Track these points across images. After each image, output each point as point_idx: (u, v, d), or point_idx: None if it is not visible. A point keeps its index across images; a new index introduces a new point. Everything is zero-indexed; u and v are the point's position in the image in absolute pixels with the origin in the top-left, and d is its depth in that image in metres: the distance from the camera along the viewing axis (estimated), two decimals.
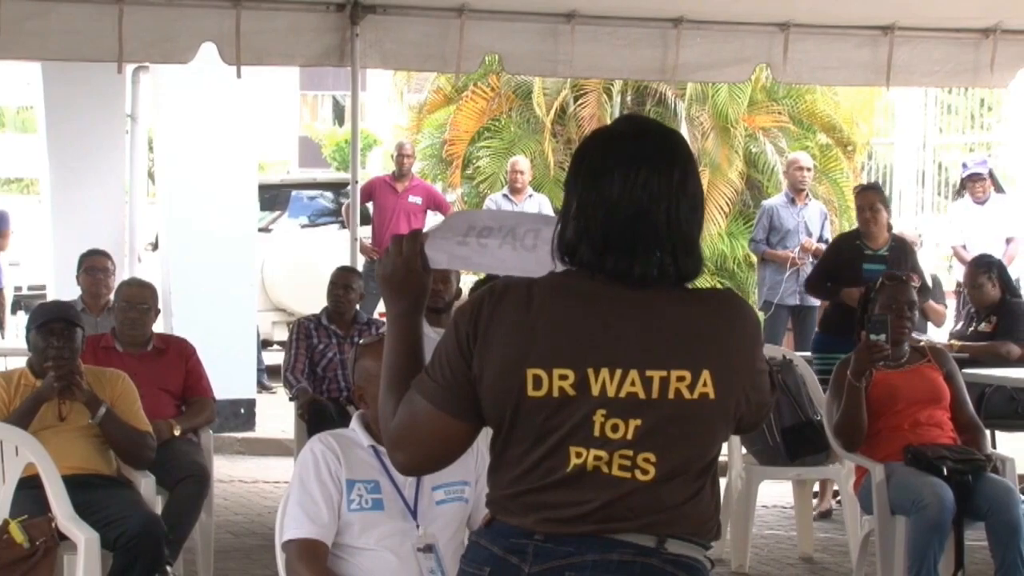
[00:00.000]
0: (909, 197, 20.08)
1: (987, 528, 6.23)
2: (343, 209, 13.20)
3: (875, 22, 9.83)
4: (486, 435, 2.89)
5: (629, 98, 16.67)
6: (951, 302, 11.48)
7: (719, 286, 15.30)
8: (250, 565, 7.61)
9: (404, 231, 11.68)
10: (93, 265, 8.58)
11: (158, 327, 7.56)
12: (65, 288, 10.00)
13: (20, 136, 28.23)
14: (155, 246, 13.74)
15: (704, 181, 16.34)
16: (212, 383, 7.26)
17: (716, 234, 15.97)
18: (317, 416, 7.72)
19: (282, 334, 13.43)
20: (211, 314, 10.87)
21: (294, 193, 16.99)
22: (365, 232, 12.40)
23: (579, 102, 16.59)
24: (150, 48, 9.05)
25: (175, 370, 7.11)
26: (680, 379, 2.74)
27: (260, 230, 13.69)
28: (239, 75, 9.04)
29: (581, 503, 2.74)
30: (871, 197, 9.09)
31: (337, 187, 16.59)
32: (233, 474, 10.22)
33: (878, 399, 6.50)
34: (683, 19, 9.57)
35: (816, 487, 8.79)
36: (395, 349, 2.95)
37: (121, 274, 10.27)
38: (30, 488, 5.56)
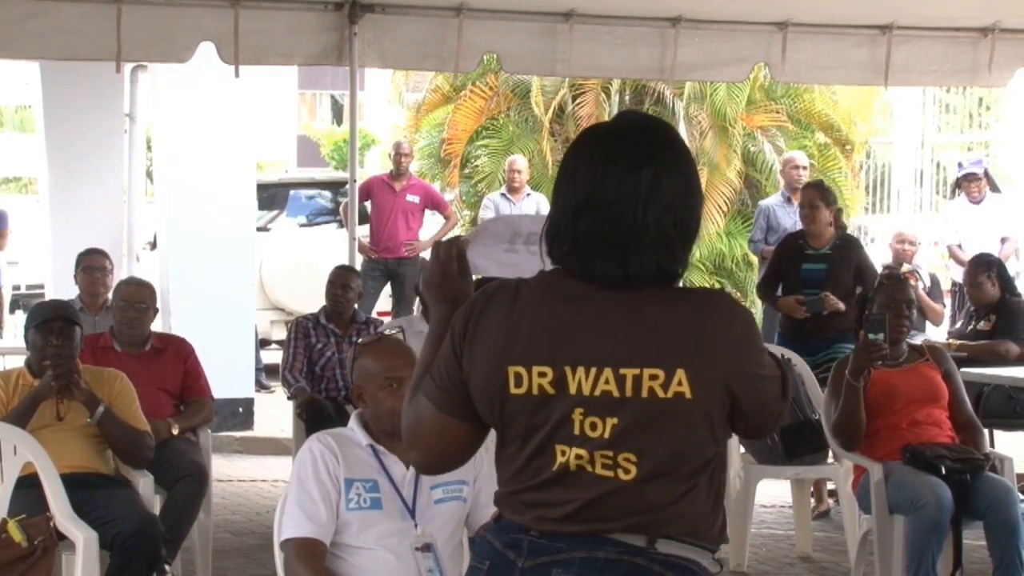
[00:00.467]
0: (907, 196, 20.09)
1: (985, 527, 6.23)
2: (341, 208, 13.21)
3: (873, 21, 9.82)
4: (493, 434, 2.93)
5: (627, 97, 16.66)
6: (947, 301, 11.49)
7: (717, 285, 15.34)
8: (248, 564, 7.60)
9: (402, 230, 11.67)
10: (91, 264, 8.59)
11: (156, 326, 7.56)
12: (63, 287, 10.00)
13: (19, 135, 28.23)
14: (153, 245, 13.74)
15: (702, 180, 16.37)
16: (210, 382, 7.26)
17: (715, 233, 15.97)
18: (315, 415, 7.72)
19: (280, 333, 13.42)
20: (209, 313, 10.87)
21: (292, 192, 16.98)
22: (363, 231, 12.39)
23: (577, 101, 16.58)
24: (148, 47, 9.04)
25: (173, 369, 7.11)
26: (653, 377, 2.73)
27: (258, 229, 13.68)
28: (237, 74, 9.03)
29: (568, 502, 2.77)
30: (810, 194, 8.87)
31: (335, 186, 16.58)
32: (231, 473, 10.22)
33: (876, 398, 6.50)
34: (681, 18, 9.57)
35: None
36: (434, 353, 2.97)
37: (119, 273, 10.28)
38: (28, 487, 5.56)
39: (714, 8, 9.60)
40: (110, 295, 8.09)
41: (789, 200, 11.36)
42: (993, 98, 20.72)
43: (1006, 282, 9.04)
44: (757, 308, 11.95)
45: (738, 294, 15.19)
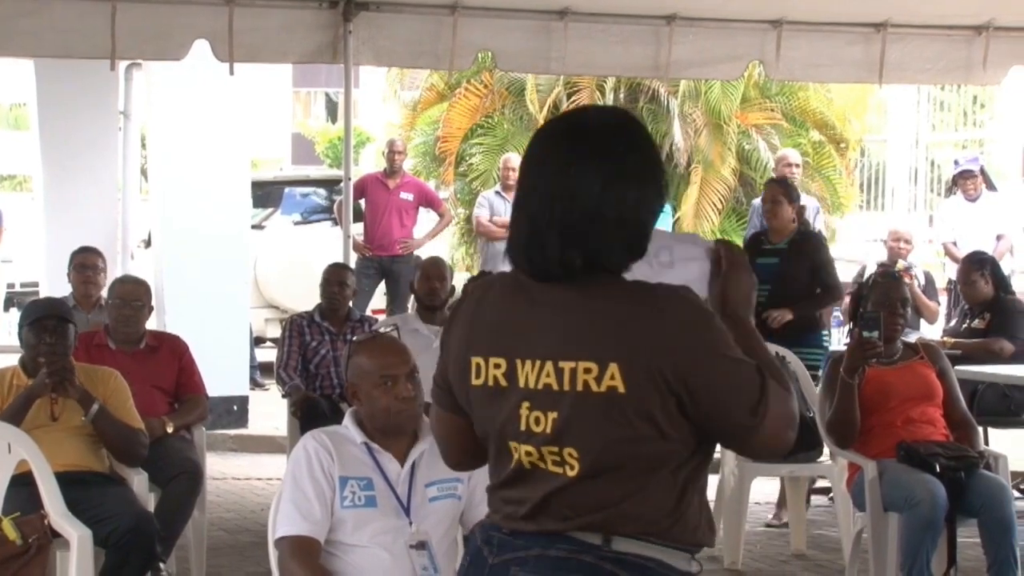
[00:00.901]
0: (902, 194, 20.09)
1: (980, 525, 6.23)
2: (336, 206, 13.20)
3: (868, 19, 9.83)
4: None
5: (622, 95, 16.68)
6: (942, 299, 11.49)
7: None
8: (243, 562, 7.60)
9: (396, 228, 11.69)
10: (83, 263, 8.57)
11: (151, 324, 7.55)
12: (58, 285, 9.98)
13: (13, 133, 28.18)
14: (148, 243, 13.73)
15: (697, 178, 16.40)
16: (205, 380, 7.25)
17: (709, 231, 15.97)
18: (310, 413, 7.71)
19: (275, 331, 13.41)
20: (204, 311, 10.86)
21: (287, 190, 16.97)
22: (358, 229, 12.38)
23: (572, 99, 16.58)
24: (143, 45, 9.05)
25: (168, 367, 7.10)
26: (587, 371, 2.72)
27: (253, 227, 13.68)
28: (232, 72, 9.04)
29: (525, 500, 2.80)
30: (774, 190, 8.85)
31: (330, 184, 16.57)
32: (226, 471, 10.22)
33: (871, 396, 6.50)
34: (676, 16, 9.58)
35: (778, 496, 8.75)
36: None
37: (114, 271, 10.26)
38: (23, 485, 5.55)
39: (708, 6, 9.60)
40: (103, 293, 8.08)
41: None
42: (988, 96, 20.71)
43: (1000, 280, 9.04)
44: None
45: None
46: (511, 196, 11.34)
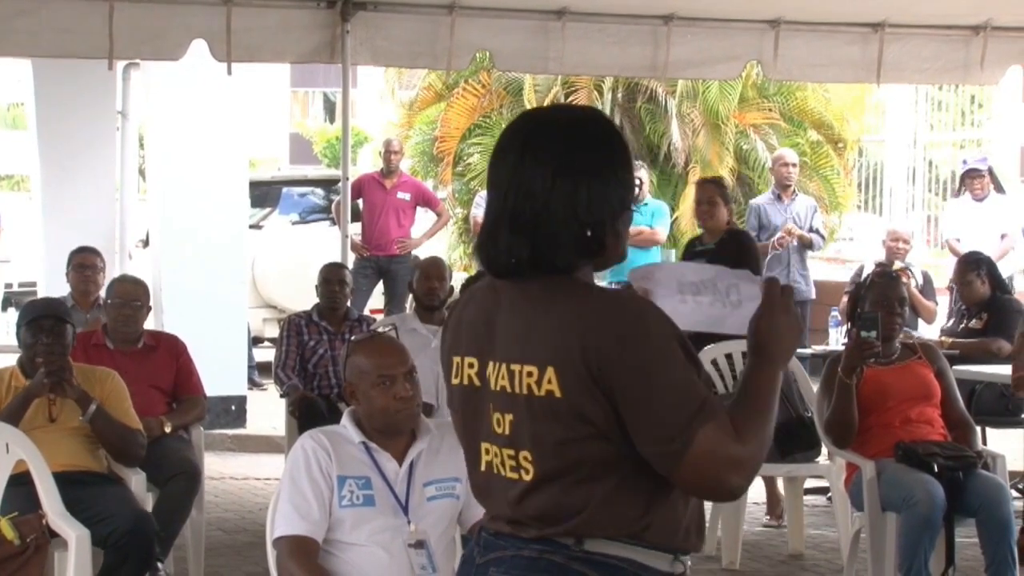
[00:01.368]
0: (900, 194, 20.08)
1: (978, 525, 6.23)
2: (334, 206, 13.19)
3: (865, 19, 9.84)
4: None
5: (620, 95, 16.68)
6: (943, 299, 11.47)
7: None
8: (241, 562, 7.60)
9: (393, 228, 11.66)
10: (82, 263, 8.58)
11: (149, 324, 7.55)
12: (56, 285, 9.98)
13: (11, 133, 28.17)
14: (146, 243, 13.72)
15: (695, 178, 16.36)
16: (203, 380, 7.25)
17: None
18: (308, 413, 7.71)
19: (273, 331, 13.42)
20: (202, 311, 10.87)
21: (285, 190, 16.95)
22: (356, 229, 12.38)
23: (570, 99, 16.55)
24: (141, 45, 9.05)
25: (166, 367, 7.10)
26: (529, 374, 2.72)
27: (251, 227, 13.66)
28: (230, 72, 9.05)
29: (497, 503, 2.82)
30: (709, 190, 8.84)
31: (328, 184, 16.55)
32: (224, 471, 10.21)
33: (869, 396, 6.50)
34: (674, 16, 9.58)
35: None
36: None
37: (112, 271, 10.26)
38: (20, 485, 5.55)
39: (706, 6, 9.61)
40: (102, 293, 8.08)
41: (780, 198, 11.37)
42: (985, 95, 20.72)
43: (997, 280, 9.04)
44: None
45: None
46: None
